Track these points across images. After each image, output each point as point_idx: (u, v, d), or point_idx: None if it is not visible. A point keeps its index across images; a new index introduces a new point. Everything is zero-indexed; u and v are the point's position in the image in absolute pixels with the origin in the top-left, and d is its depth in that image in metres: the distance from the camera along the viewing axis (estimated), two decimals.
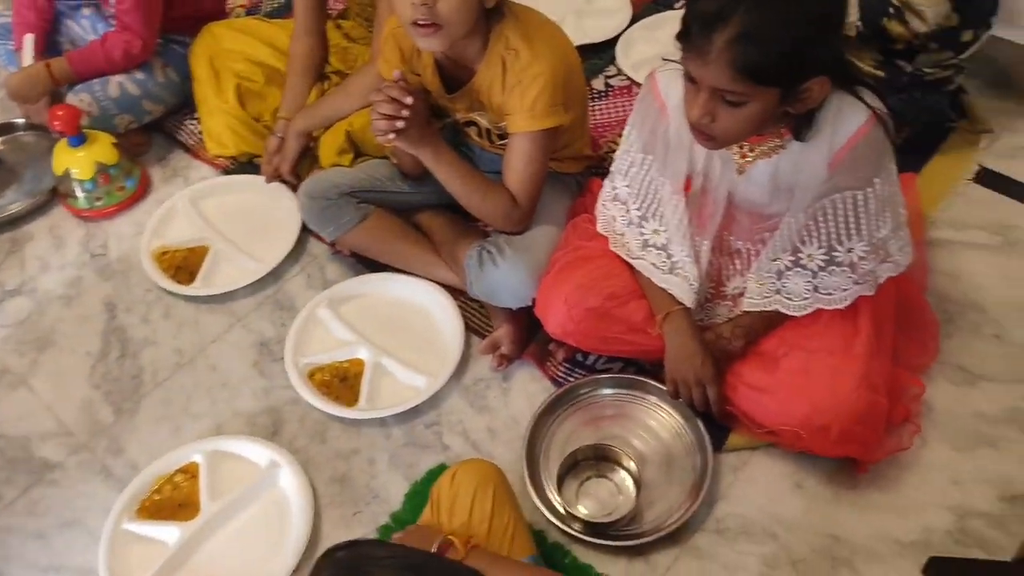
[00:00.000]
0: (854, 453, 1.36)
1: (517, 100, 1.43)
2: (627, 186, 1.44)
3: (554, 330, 1.49)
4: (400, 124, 1.41)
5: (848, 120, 1.21)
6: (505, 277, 1.51)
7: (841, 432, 1.31)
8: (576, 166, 1.70)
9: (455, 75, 1.51)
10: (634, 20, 2.26)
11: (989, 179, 1.85)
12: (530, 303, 1.53)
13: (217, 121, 1.96)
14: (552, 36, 1.48)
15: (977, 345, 1.58)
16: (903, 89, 1.77)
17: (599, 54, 2.20)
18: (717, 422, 1.47)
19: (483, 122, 1.56)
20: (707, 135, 1.19)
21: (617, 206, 1.47)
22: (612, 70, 2.17)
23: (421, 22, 1.34)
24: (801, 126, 1.22)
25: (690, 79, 1.16)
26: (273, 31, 2.02)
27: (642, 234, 1.45)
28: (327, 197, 1.68)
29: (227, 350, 1.70)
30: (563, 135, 1.59)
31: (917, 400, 1.45)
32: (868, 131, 1.22)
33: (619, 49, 2.18)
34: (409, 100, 1.41)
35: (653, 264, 1.45)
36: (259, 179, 1.93)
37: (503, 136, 1.55)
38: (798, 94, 1.15)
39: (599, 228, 1.51)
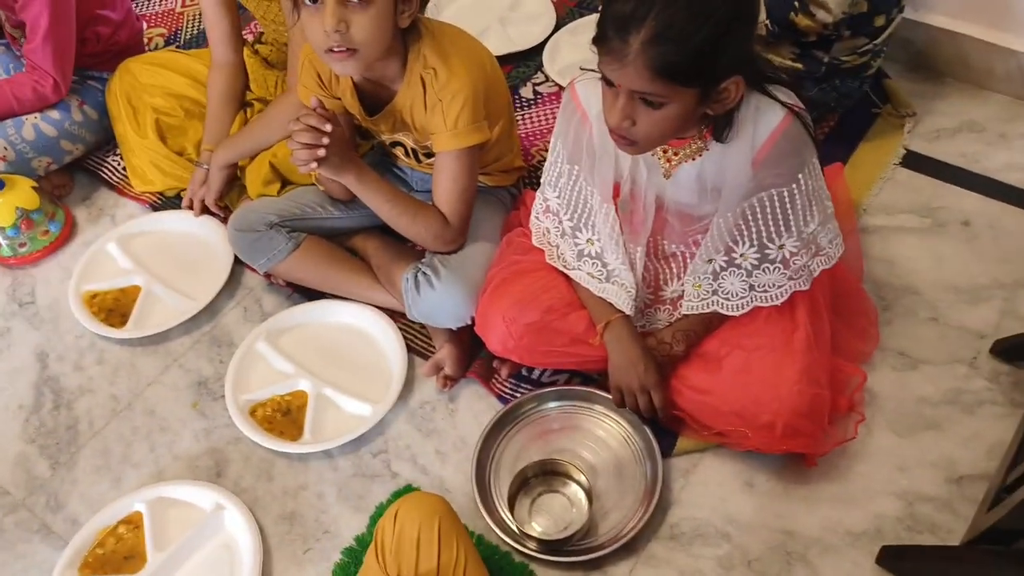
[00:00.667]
0: (801, 448, 1.36)
1: (439, 119, 1.42)
2: (557, 197, 1.43)
3: (495, 347, 1.48)
4: (320, 152, 1.38)
5: (767, 118, 1.22)
6: (442, 299, 1.49)
7: (786, 427, 1.32)
8: (507, 179, 1.69)
9: (375, 96, 1.49)
10: (558, 26, 2.25)
11: (915, 162, 1.88)
12: (470, 322, 1.52)
13: (140, 159, 1.92)
14: (469, 51, 1.47)
15: (915, 329, 1.60)
16: (823, 79, 1.79)
17: (526, 61, 2.19)
18: (664, 427, 1.47)
19: (408, 142, 1.54)
20: (628, 140, 1.19)
21: (550, 218, 1.46)
22: (540, 77, 2.16)
23: (336, 48, 1.32)
24: (721, 127, 1.23)
25: (608, 83, 1.16)
26: (190, 62, 1.97)
27: (576, 244, 1.44)
28: (255, 229, 1.64)
29: (165, 392, 1.65)
30: (491, 149, 1.58)
31: (860, 389, 1.46)
32: (787, 127, 1.22)
33: (545, 55, 2.17)
34: (328, 128, 1.38)
35: (589, 274, 1.44)
36: (188, 213, 1.88)
37: (430, 155, 1.54)
38: (716, 95, 1.15)
39: (534, 241, 1.50)
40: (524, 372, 1.59)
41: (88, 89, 2.00)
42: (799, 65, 1.77)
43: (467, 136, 1.42)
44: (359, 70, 1.39)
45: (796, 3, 1.70)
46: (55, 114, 1.93)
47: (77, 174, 2.06)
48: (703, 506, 1.42)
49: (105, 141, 2.05)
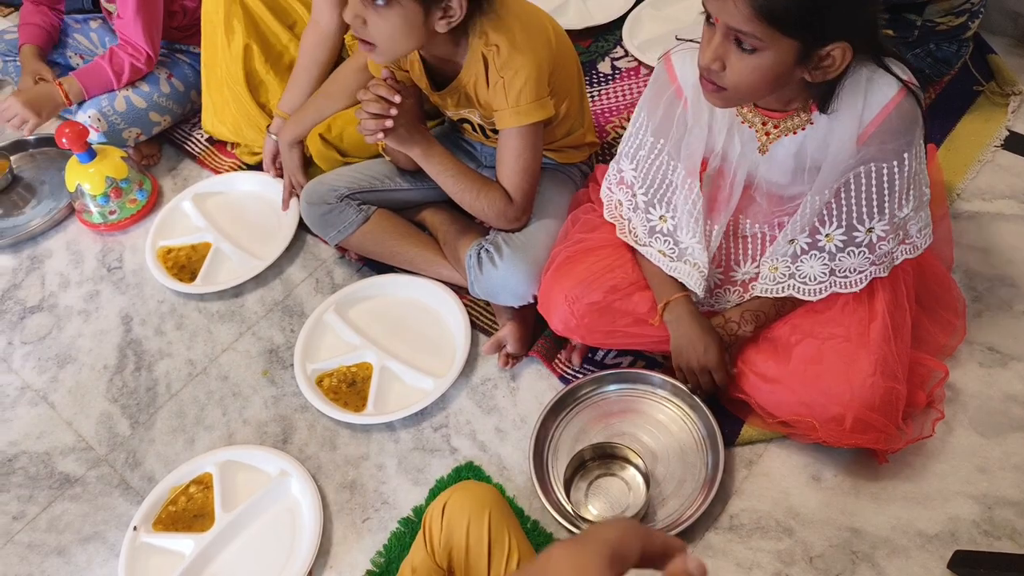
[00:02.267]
0: (871, 443, 1.30)
1: (501, 96, 1.40)
2: (634, 169, 1.39)
3: (557, 327, 1.46)
4: (388, 123, 1.39)
5: (879, 91, 1.15)
6: (504, 277, 1.48)
7: (856, 421, 1.26)
8: (578, 155, 1.66)
9: (442, 72, 1.48)
10: None
11: (1019, 144, 1.75)
12: (532, 300, 1.50)
13: (219, 96, 1.95)
14: (533, 25, 1.44)
15: (1008, 323, 1.51)
16: (916, 43, 1.69)
17: (604, 36, 2.15)
18: (729, 413, 1.43)
19: (474, 118, 1.53)
20: (716, 86, 1.13)
21: (623, 190, 1.43)
22: (619, 52, 2.11)
23: (358, 37, 1.33)
24: (825, 97, 1.16)
25: (707, 20, 1.10)
26: (298, 8, 1.96)
27: (649, 220, 1.41)
28: (327, 202, 1.67)
29: (238, 359, 1.71)
30: (560, 124, 1.55)
31: (941, 385, 1.38)
32: (900, 102, 1.15)
33: (625, 30, 2.12)
34: (397, 99, 1.39)
35: (661, 252, 1.41)
36: (260, 175, 1.94)
37: (496, 131, 1.52)
38: (818, 58, 1.08)
39: (605, 214, 1.47)
40: (588, 354, 1.57)
41: (176, 62, 2.06)
42: (890, 31, 1.68)
43: (529, 113, 1.40)
44: (384, 61, 1.40)
45: None
46: (145, 86, 2.00)
47: (164, 146, 2.14)
48: (765, 498, 1.37)
49: (192, 113, 2.12)
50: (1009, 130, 1.77)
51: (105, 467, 1.60)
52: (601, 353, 1.58)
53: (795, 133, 1.22)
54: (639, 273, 1.44)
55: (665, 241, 1.40)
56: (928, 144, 1.66)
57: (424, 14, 1.31)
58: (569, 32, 2.11)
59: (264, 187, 1.94)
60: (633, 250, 1.45)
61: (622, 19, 2.15)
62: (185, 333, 1.77)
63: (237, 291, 1.81)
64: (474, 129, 1.57)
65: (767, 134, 1.24)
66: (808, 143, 1.22)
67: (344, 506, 1.47)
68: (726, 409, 1.44)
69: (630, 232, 1.44)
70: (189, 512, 1.49)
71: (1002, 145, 1.76)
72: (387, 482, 1.49)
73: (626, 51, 2.10)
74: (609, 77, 2.06)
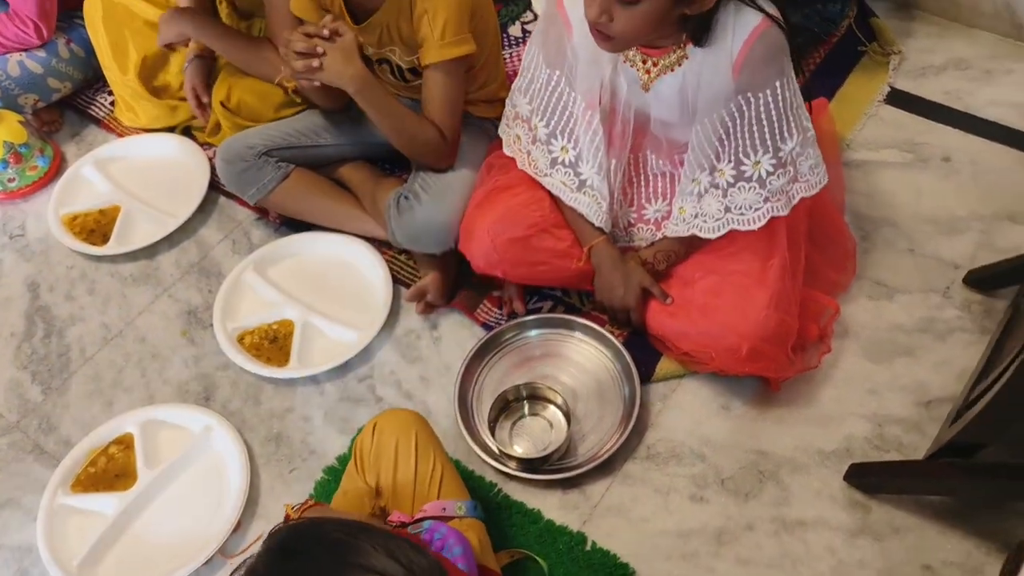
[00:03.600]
0: (763, 371, 1.40)
1: (426, 29, 1.43)
2: (528, 103, 1.43)
3: (478, 263, 1.50)
4: (315, 63, 1.40)
5: (745, 21, 1.21)
6: (424, 221, 1.52)
7: (750, 351, 1.34)
8: (492, 110, 1.70)
9: (363, 7, 1.49)
10: None
11: (899, 99, 1.89)
12: (452, 246, 1.54)
13: (124, 92, 1.92)
14: None
15: (893, 259, 1.63)
16: (805, 3, 1.80)
17: (515, 1, 2.19)
18: (644, 352, 1.51)
19: (394, 58, 1.55)
20: (605, 35, 1.19)
21: (519, 124, 1.47)
22: (528, 16, 2.15)
23: None
24: (699, 30, 1.22)
25: None
26: None
27: (551, 152, 1.45)
28: (244, 159, 1.66)
29: (155, 321, 1.68)
30: (478, 74, 1.59)
31: (831, 320, 1.49)
32: (765, 29, 1.21)
33: None
34: (326, 32, 1.40)
35: (562, 182, 1.46)
36: (162, 138, 1.93)
37: (415, 73, 1.55)
38: None
39: (504, 149, 1.51)
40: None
41: (75, 28, 1.99)
42: None
43: (454, 47, 1.44)
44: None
45: None
46: (41, 52, 1.92)
47: (67, 111, 2.07)
48: (679, 428, 1.45)
49: (95, 79, 2.05)
50: (891, 86, 1.91)
51: (17, 433, 1.56)
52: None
53: (673, 70, 1.28)
54: (555, 210, 1.49)
55: (566, 172, 1.45)
56: (820, 98, 1.80)
57: None
58: None
59: (171, 148, 1.91)
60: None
61: None
62: (98, 298, 1.73)
63: (151, 254, 1.78)
64: (392, 73, 1.59)
65: (647, 72, 1.31)
66: (688, 78, 1.28)
67: (271, 458, 1.48)
68: (644, 347, 1.52)
69: (530, 164, 1.48)
70: (110, 472, 1.47)
71: (885, 100, 1.88)
72: (313, 433, 1.51)
73: (535, 14, 2.15)
74: (519, 40, 2.10)
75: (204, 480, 1.45)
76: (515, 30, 2.13)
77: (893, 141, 1.82)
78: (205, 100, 1.84)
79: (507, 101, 1.50)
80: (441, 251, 1.55)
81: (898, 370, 1.49)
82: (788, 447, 1.42)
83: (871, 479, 1.33)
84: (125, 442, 1.50)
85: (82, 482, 1.46)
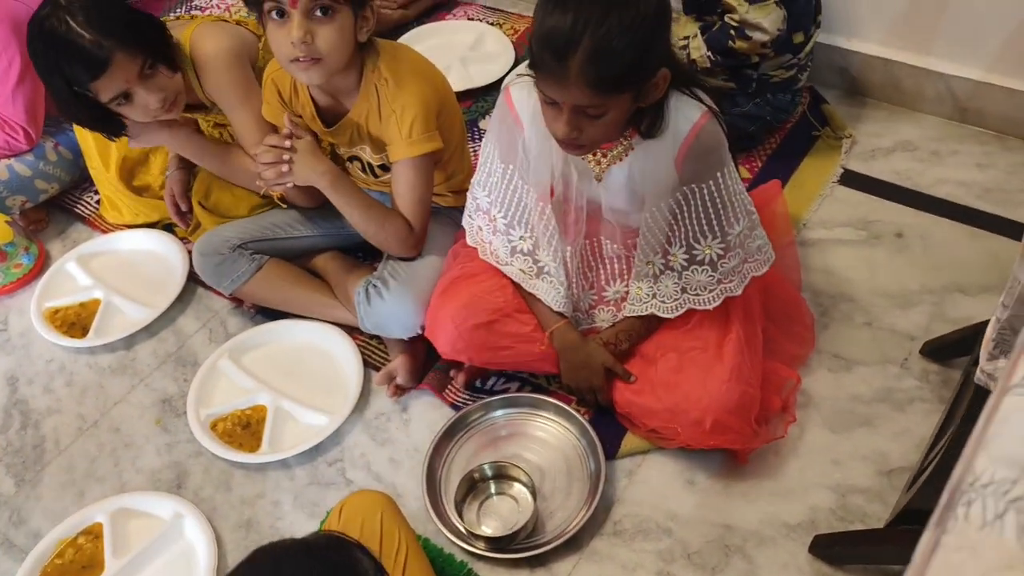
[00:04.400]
0: (729, 444, 1.42)
1: (394, 129, 1.51)
2: (487, 196, 1.49)
3: (444, 349, 1.54)
4: (285, 168, 1.48)
5: (686, 115, 1.28)
6: (392, 309, 1.56)
7: (715, 424, 1.37)
8: (459, 200, 1.77)
9: (333, 111, 1.58)
10: (517, 63, 2.37)
11: (852, 179, 1.97)
12: (420, 332, 1.58)
13: (108, 190, 2.00)
14: (421, 67, 1.57)
15: (850, 333, 1.67)
16: (755, 94, 1.90)
17: (484, 96, 2.30)
18: (609, 428, 1.53)
19: (364, 156, 1.63)
20: (576, 145, 1.26)
21: (480, 216, 1.53)
22: None
23: (302, 58, 1.41)
24: (650, 122, 1.28)
25: (550, 101, 1.21)
26: None
27: (510, 241, 1.51)
28: (219, 252, 1.72)
29: (130, 411, 1.71)
30: (446, 165, 1.67)
31: (794, 392, 1.52)
32: (705, 123, 1.28)
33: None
34: (288, 143, 1.48)
35: (521, 270, 1.51)
36: (143, 233, 1.99)
37: (385, 168, 1.62)
38: (645, 89, 1.21)
39: (467, 240, 1.57)
40: (477, 383, 1.66)
41: (63, 131, 2.08)
42: (732, 84, 1.89)
43: (421, 144, 1.51)
44: (323, 78, 1.46)
45: (732, 32, 1.81)
46: (29, 156, 2.00)
47: (53, 210, 2.14)
48: (645, 503, 1.47)
49: (81, 180, 2.13)
50: (843, 168, 1.99)
51: None
52: (491, 381, 1.66)
53: (621, 160, 1.35)
54: (518, 296, 1.54)
55: (524, 260, 1.51)
56: (773, 180, 1.88)
57: (354, 20, 1.43)
58: None
59: (151, 242, 1.98)
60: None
61: (499, 81, 2.31)
62: (75, 389, 1.76)
63: (129, 344, 1.82)
64: (363, 169, 1.67)
65: (598, 164, 1.38)
66: (634, 168, 1.35)
67: (240, 544, 1.48)
68: (609, 424, 1.54)
69: (491, 253, 1.54)
70: (77, 563, 1.47)
71: (838, 181, 1.97)
72: (283, 518, 1.52)
73: None
74: None
75: (173, 569, 1.45)
76: (485, 124, 2.24)
77: (848, 219, 1.89)
78: (184, 208, 1.91)
79: (468, 194, 1.57)
80: (408, 336, 1.60)
81: (859, 440, 1.51)
82: (754, 520, 1.42)
83: (835, 549, 1.34)
84: (94, 532, 1.50)
85: (49, 574, 1.45)
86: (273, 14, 1.39)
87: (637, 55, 1.14)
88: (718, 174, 1.34)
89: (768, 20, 1.75)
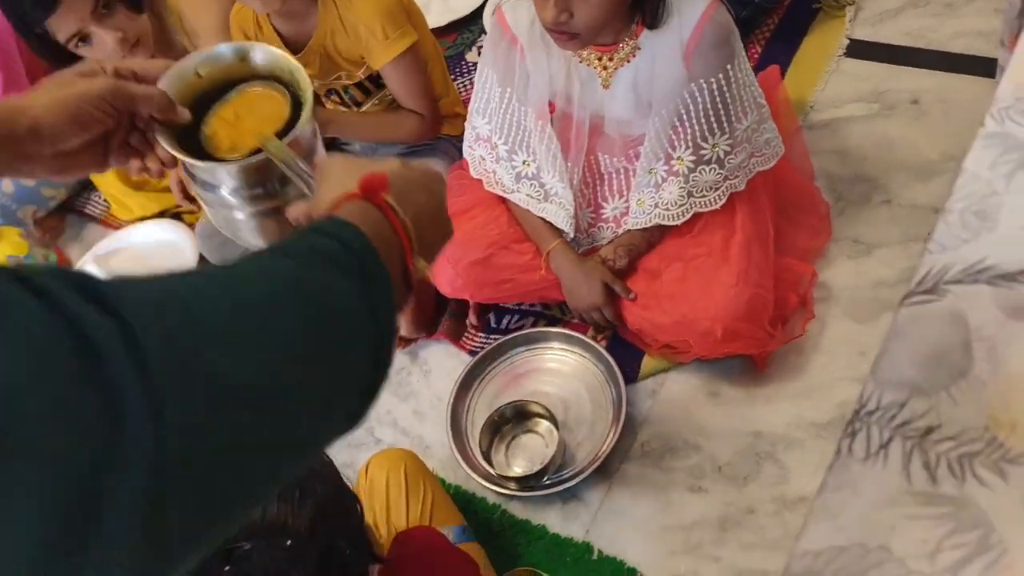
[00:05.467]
0: (743, 349, 1.38)
1: (367, 36, 1.48)
2: (487, 123, 1.46)
3: (445, 289, 1.54)
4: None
5: (692, 7, 1.23)
6: None
7: (726, 331, 1.33)
8: (449, 127, 1.73)
9: (298, 39, 1.55)
10: None
11: (859, 50, 1.85)
12: None
13: (112, 190, 2.02)
14: None
15: (869, 214, 1.59)
16: None
17: (469, 27, 2.22)
18: (628, 351, 1.51)
19: (342, 81, 1.60)
20: (568, 34, 1.20)
21: (481, 145, 1.50)
22: (484, 40, 2.18)
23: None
24: (652, 8, 1.22)
25: None
26: None
27: (513, 167, 1.48)
28: (220, 233, 1.72)
29: None
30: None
31: (810, 286, 1.46)
32: (713, 13, 1.23)
33: (486, 17, 2.20)
34: None
35: (528, 195, 1.48)
36: (152, 226, 2.00)
37: (367, 91, 1.60)
38: None
39: (471, 172, 1.54)
40: (493, 323, 1.64)
41: None
42: None
43: (398, 42, 1.50)
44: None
45: None
46: None
47: (68, 215, 2.18)
48: (671, 422, 1.45)
49: (88, 181, 2.16)
50: (849, 38, 1.87)
51: None
52: (506, 320, 1.65)
53: (628, 62, 1.29)
54: (514, 225, 1.52)
55: (531, 184, 1.47)
56: (771, 66, 1.78)
57: None
58: (434, 30, 2.20)
59: (161, 233, 1.99)
60: (507, 203, 1.52)
61: (481, 7, 2.23)
62: None
63: None
64: (344, 100, 1.64)
65: (604, 68, 1.32)
66: (641, 69, 1.29)
67: None
68: (626, 347, 1.52)
69: (497, 183, 1.51)
70: None
71: (845, 53, 1.85)
72: None
73: None
74: (476, 65, 2.13)
75: None
76: (472, 55, 2.17)
77: (858, 94, 1.78)
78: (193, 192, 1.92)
79: (467, 124, 1.53)
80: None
81: (885, 327, 1.43)
82: (781, 424, 1.39)
83: None
84: None
85: None
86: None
87: None
88: (728, 66, 1.28)
89: None
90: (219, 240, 1.72)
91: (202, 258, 1.89)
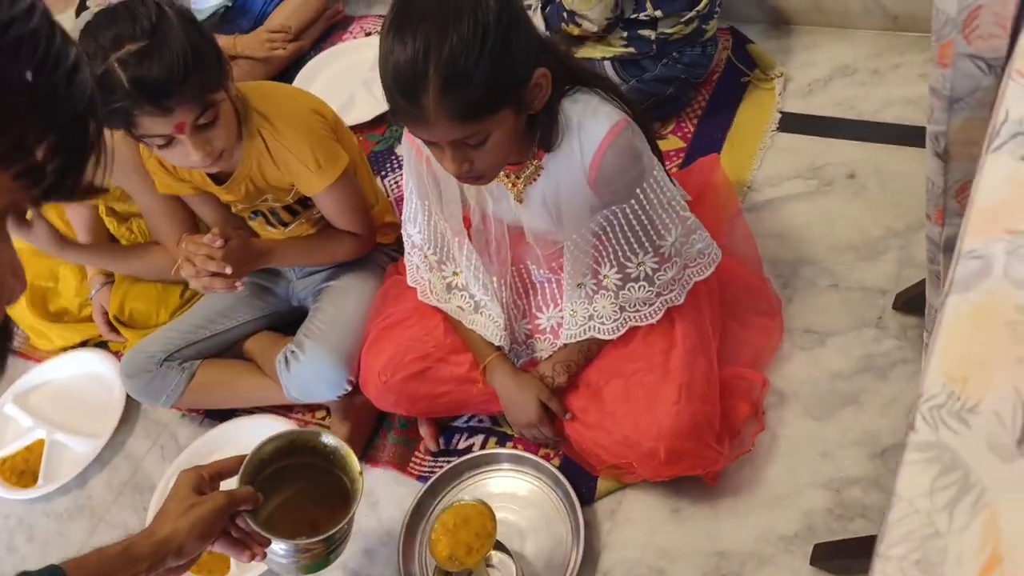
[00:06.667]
0: (688, 471, 1.30)
1: (297, 167, 1.41)
2: (418, 233, 1.40)
3: (381, 405, 1.49)
4: (228, 270, 1.39)
5: (591, 133, 1.15)
6: (311, 369, 1.50)
7: (669, 452, 1.26)
8: (382, 236, 1.66)
9: (224, 172, 1.46)
10: None
11: (792, 123, 1.82)
12: (348, 387, 1.52)
13: (30, 322, 1.91)
14: (293, 93, 1.53)
15: (817, 300, 1.55)
16: (659, 55, 1.76)
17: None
18: (584, 471, 1.43)
19: (268, 206, 1.53)
20: (475, 177, 1.14)
21: (417, 253, 1.44)
22: None
23: (209, 164, 1.35)
24: (544, 133, 1.16)
25: (428, 141, 1.11)
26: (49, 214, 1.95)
27: (444, 277, 1.42)
28: (146, 370, 1.62)
29: None
30: None
31: (761, 395, 1.41)
32: (612, 141, 1.14)
33: None
34: (219, 243, 1.40)
35: (459, 307, 1.42)
36: (76, 356, 1.90)
37: (293, 212, 1.54)
38: (527, 97, 1.08)
39: (408, 280, 1.48)
40: (442, 444, 1.56)
41: None
42: (631, 49, 1.76)
43: (331, 168, 1.43)
44: (224, 159, 1.38)
45: (564, 15, 1.74)
46: None
47: None
48: (633, 545, 1.37)
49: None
50: (780, 112, 1.84)
51: None
52: (455, 439, 1.56)
53: (535, 180, 1.23)
54: (451, 335, 1.45)
55: (462, 296, 1.42)
56: (711, 155, 1.73)
57: (232, 105, 1.35)
58: (363, 124, 2.14)
59: (85, 364, 1.89)
60: (444, 313, 1.45)
61: None
62: (38, 544, 1.69)
63: (82, 481, 1.74)
64: (269, 221, 1.56)
65: (513, 185, 1.25)
66: (546, 188, 1.23)
67: None
68: (580, 466, 1.44)
69: (432, 292, 1.44)
70: None
71: (778, 128, 1.82)
72: None
73: None
74: None
75: None
76: (401, 150, 2.10)
77: (794, 170, 1.75)
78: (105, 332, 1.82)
79: (403, 230, 1.46)
80: (338, 395, 1.53)
81: (845, 423, 1.40)
82: (748, 540, 1.32)
83: (836, 562, 1.24)
84: None
85: None
86: (159, 141, 1.29)
87: (494, 68, 1.00)
88: (638, 191, 1.21)
89: (594, 12, 1.68)
90: (146, 379, 1.62)
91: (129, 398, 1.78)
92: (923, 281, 1.45)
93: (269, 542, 1.08)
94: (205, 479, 1.05)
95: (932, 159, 0.61)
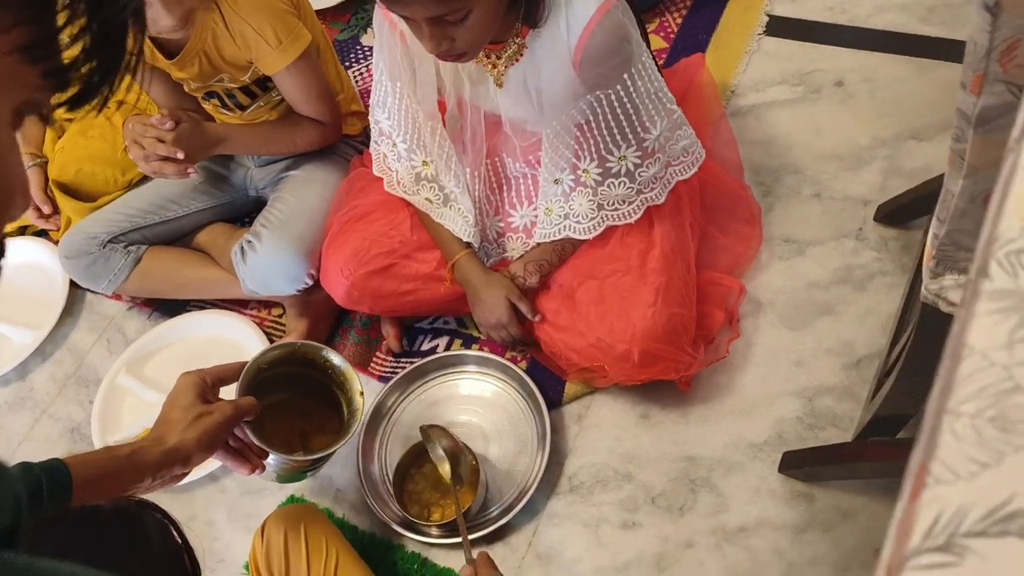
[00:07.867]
0: (662, 375, 1.26)
1: (257, 43, 1.31)
2: (387, 118, 1.31)
3: (343, 301, 1.41)
4: (180, 155, 1.31)
5: (579, 9, 1.07)
6: (268, 260, 1.43)
7: (643, 355, 1.22)
8: (347, 127, 1.57)
9: (174, 40, 1.35)
10: None
11: (780, 27, 1.74)
12: (309, 281, 1.44)
13: None
14: None
15: (799, 210, 1.50)
16: None
17: (363, 5, 2.03)
18: (551, 374, 1.39)
19: (223, 86, 1.42)
20: (456, 55, 1.06)
21: (385, 141, 1.35)
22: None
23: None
24: (527, 8, 1.08)
25: (406, 18, 1.03)
26: None
27: (413, 168, 1.34)
28: (88, 252, 1.52)
29: (37, 448, 1.56)
30: None
31: (737, 303, 1.37)
32: (601, 19, 1.07)
33: None
34: (168, 124, 1.32)
35: (427, 199, 1.35)
36: (12, 245, 1.75)
37: (251, 94, 1.44)
38: None
39: (374, 169, 1.40)
40: (406, 345, 1.50)
41: None
42: None
43: (293, 46, 1.34)
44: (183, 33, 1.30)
45: None
46: None
47: None
48: (600, 450, 1.34)
49: None
50: (768, 15, 1.76)
51: None
52: (418, 340, 1.51)
53: (517, 61, 1.14)
54: (418, 231, 1.38)
55: (431, 187, 1.34)
56: (695, 54, 1.64)
57: None
58: (326, 10, 2.01)
59: (22, 254, 1.77)
60: (412, 207, 1.38)
61: None
62: None
63: (22, 373, 1.65)
64: (225, 104, 1.46)
65: (494, 66, 1.17)
66: (530, 69, 1.14)
67: None
68: (548, 369, 1.40)
69: (399, 184, 1.37)
70: None
71: (765, 32, 1.74)
72: (219, 538, 1.40)
73: None
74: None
75: None
76: (368, 39, 1.98)
77: (781, 76, 1.67)
78: (47, 211, 1.70)
79: (370, 117, 1.37)
80: (297, 289, 1.45)
81: (821, 332, 1.37)
82: (717, 447, 1.30)
83: (806, 469, 1.22)
84: None
85: None
86: None
87: None
88: (624, 76, 1.13)
89: None
90: (87, 261, 1.52)
91: (75, 282, 1.68)
92: (907, 192, 1.41)
93: (267, 454, 1.05)
94: (208, 384, 1.01)
95: (979, 13, 0.55)
